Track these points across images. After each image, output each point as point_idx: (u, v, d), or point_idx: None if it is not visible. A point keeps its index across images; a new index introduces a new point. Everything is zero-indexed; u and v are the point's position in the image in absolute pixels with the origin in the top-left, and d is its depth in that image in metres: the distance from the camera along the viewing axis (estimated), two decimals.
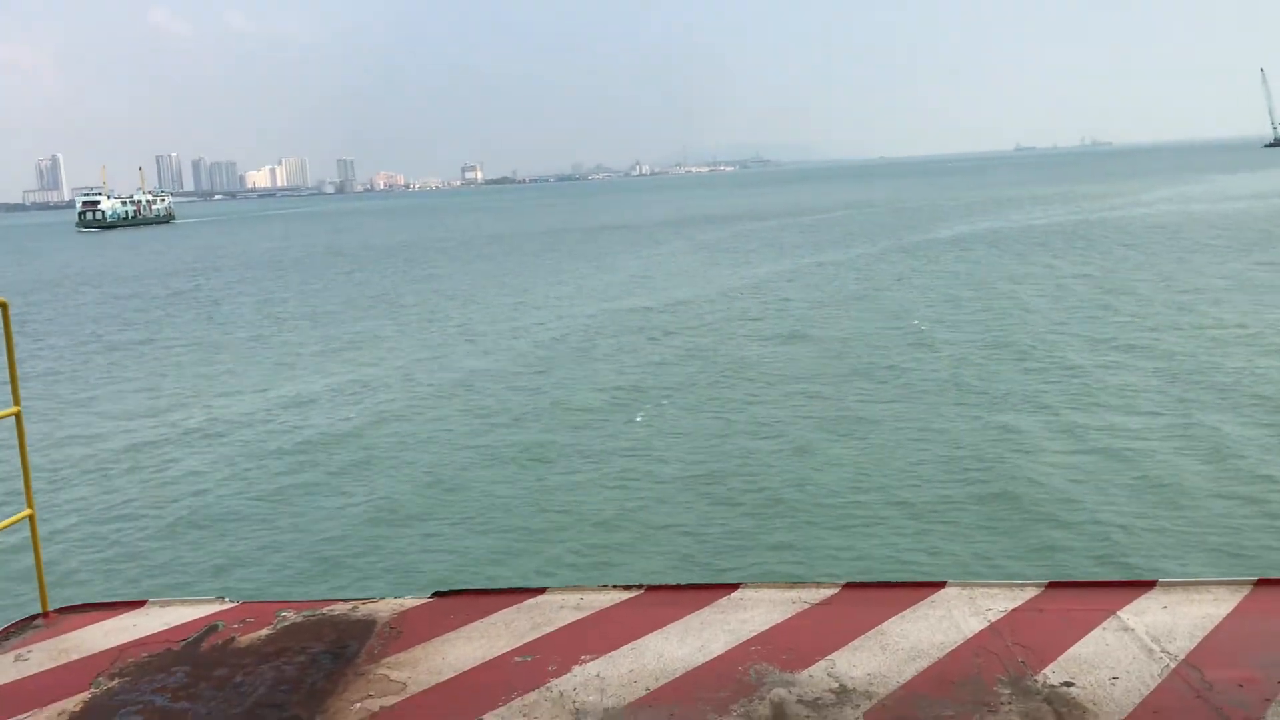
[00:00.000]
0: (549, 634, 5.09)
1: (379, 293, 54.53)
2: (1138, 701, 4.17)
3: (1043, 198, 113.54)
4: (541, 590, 5.72)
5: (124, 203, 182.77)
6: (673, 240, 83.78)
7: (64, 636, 5.36)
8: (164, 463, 21.71)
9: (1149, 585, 5.35)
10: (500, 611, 5.40)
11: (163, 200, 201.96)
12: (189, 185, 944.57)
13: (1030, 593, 5.32)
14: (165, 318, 48.77)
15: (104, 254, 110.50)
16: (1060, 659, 4.55)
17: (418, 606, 5.57)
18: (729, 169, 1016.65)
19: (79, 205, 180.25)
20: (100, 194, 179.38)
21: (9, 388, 6.16)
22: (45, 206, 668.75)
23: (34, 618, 5.67)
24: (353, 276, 66.16)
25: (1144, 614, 4.99)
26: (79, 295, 63.59)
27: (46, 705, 4.54)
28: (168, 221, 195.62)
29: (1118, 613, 5.01)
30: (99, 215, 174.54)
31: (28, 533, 6.06)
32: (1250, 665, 4.43)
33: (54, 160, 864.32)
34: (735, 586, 5.62)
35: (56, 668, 4.97)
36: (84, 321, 49.35)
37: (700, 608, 5.32)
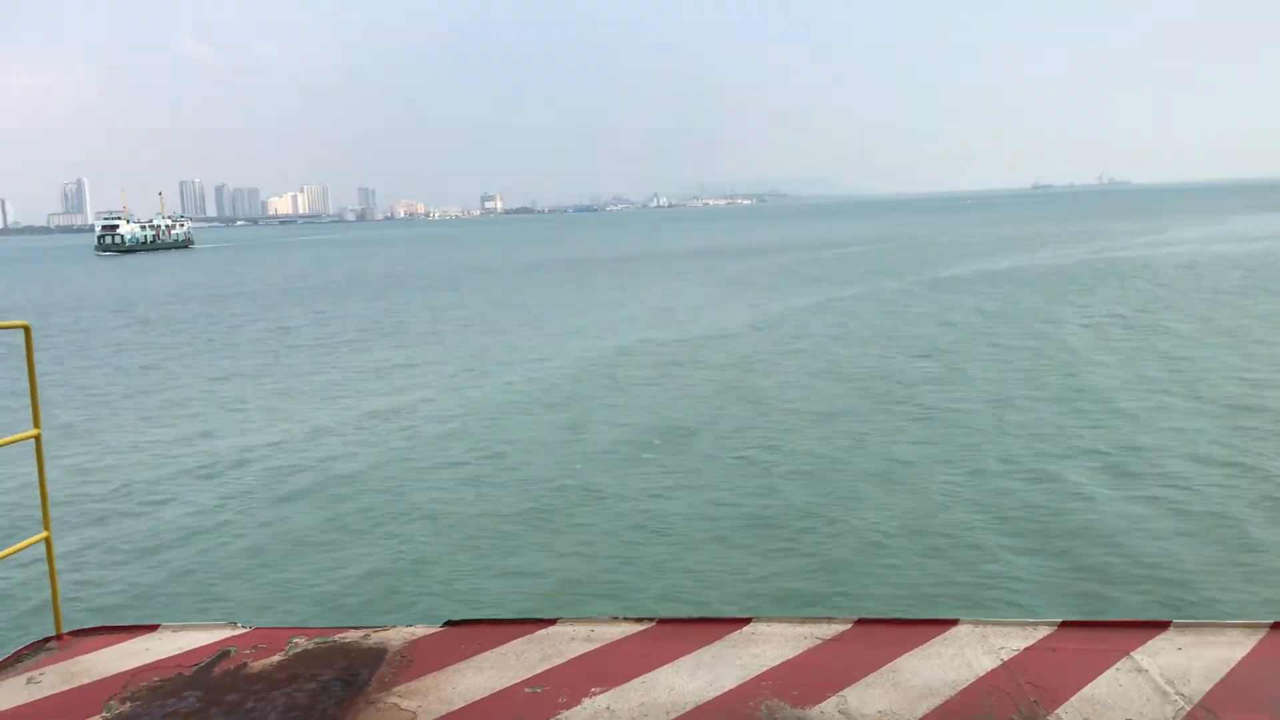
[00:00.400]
0: (559, 665, 5.06)
1: (396, 322, 53.70)
2: None
3: (1067, 235, 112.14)
4: (553, 621, 5.70)
5: (143, 227, 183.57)
6: (696, 272, 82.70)
7: (76, 659, 5.36)
8: (178, 488, 21.71)
9: (1163, 626, 5.27)
10: (511, 642, 5.38)
11: (182, 225, 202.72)
12: (211, 211, 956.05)
13: (1043, 631, 5.29)
14: (180, 343, 48.66)
15: (119, 278, 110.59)
16: (1073, 699, 4.50)
17: (429, 635, 5.55)
18: (746, 202, 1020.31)
19: (98, 229, 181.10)
20: (119, 218, 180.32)
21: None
22: (69, 230, 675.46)
23: (47, 640, 5.68)
24: (371, 304, 65.35)
25: (1158, 655, 4.92)
26: (94, 319, 63.27)
27: None
28: (186, 246, 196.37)
29: (1131, 653, 4.95)
30: (118, 239, 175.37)
31: (44, 554, 6.06)
32: (1266, 709, 4.38)
33: (79, 184, 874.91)
34: (747, 621, 5.58)
35: (69, 690, 4.97)
36: (98, 345, 49.15)
37: (711, 642, 5.30)
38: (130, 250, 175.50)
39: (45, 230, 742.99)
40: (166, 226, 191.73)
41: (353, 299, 70.23)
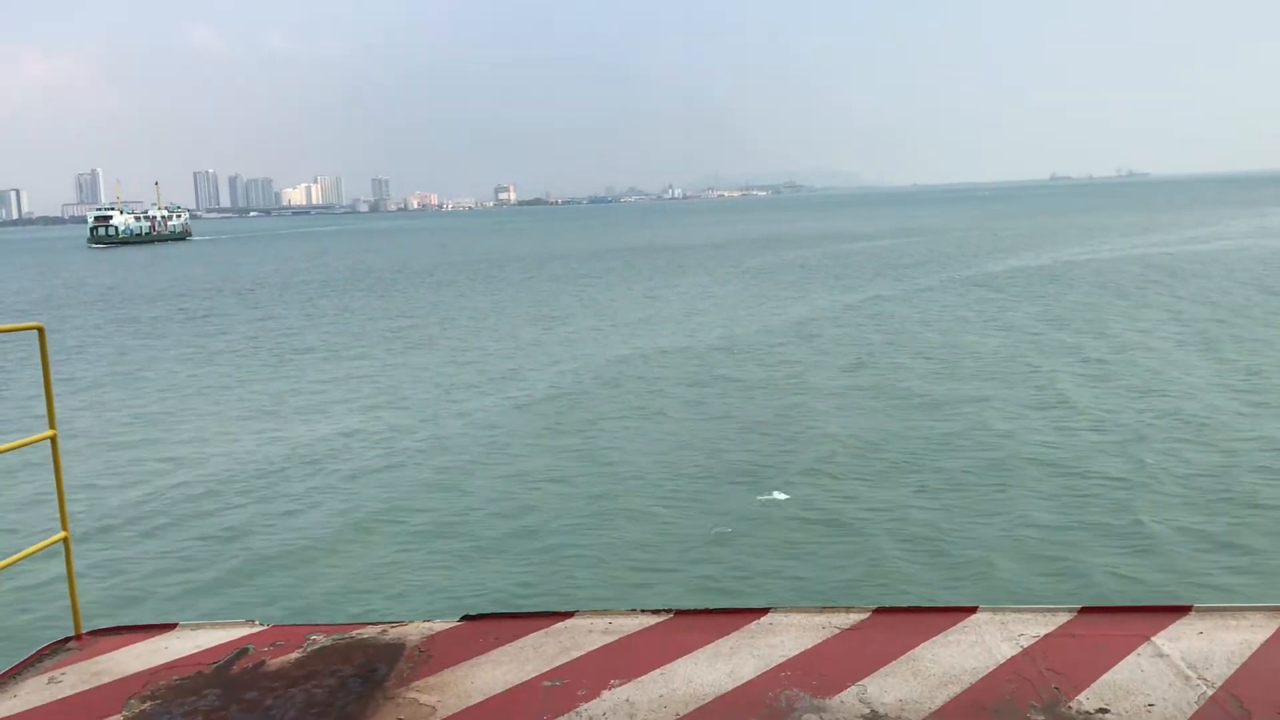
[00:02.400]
0: (578, 658, 5.02)
1: (410, 322, 50.29)
2: None
3: (1098, 228, 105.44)
4: (570, 614, 5.61)
5: (137, 218, 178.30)
6: (717, 266, 77.68)
7: (96, 659, 5.36)
8: (193, 487, 21.47)
9: (1184, 610, 5.23)
10: (529, 635, 5.35)
11: (179, 216, 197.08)
12: (226, 201, 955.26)
13: (1063, 618, 5.23)
14: (179, 339, 47.69)
15: (102, 273, 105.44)
16: (1094, 685, 4.47)
17: (446, 630, 5.51)
18: (761, 194, 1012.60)
19: (90, 220, 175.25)
20: (113, 209, 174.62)
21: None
22: (82, 220, 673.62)
23: (67, 640, 5.67)
24: (383, 299, 61.74)
25: (1179, 640, 4.89)
26: (76, 315, 59.42)
27: None
28: (184, 238, 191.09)
29: (1152, 638, 4.92)
30: (111, 231, 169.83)
31: (62, 555, 6.04)
32: None
33: (93, 174, 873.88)
34: (765, 611, 5.52)
35: (89, 690, 4.97)
36: (97, 341, 47.98)
37: (729, 632, 5.26)
38: (124, 242, 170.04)
39: (59, 220, 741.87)
40: (163, 217, 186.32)
41: (351, 296, 66.88)
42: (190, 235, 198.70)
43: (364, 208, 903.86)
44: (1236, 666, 4.55)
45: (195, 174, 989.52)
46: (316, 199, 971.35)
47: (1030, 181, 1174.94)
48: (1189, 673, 4.52)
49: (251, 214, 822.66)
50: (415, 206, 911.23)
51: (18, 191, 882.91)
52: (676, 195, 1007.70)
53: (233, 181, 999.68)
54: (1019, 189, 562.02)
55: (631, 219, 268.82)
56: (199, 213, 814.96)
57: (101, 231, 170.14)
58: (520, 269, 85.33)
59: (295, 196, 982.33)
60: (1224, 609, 5.24)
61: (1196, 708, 4.21)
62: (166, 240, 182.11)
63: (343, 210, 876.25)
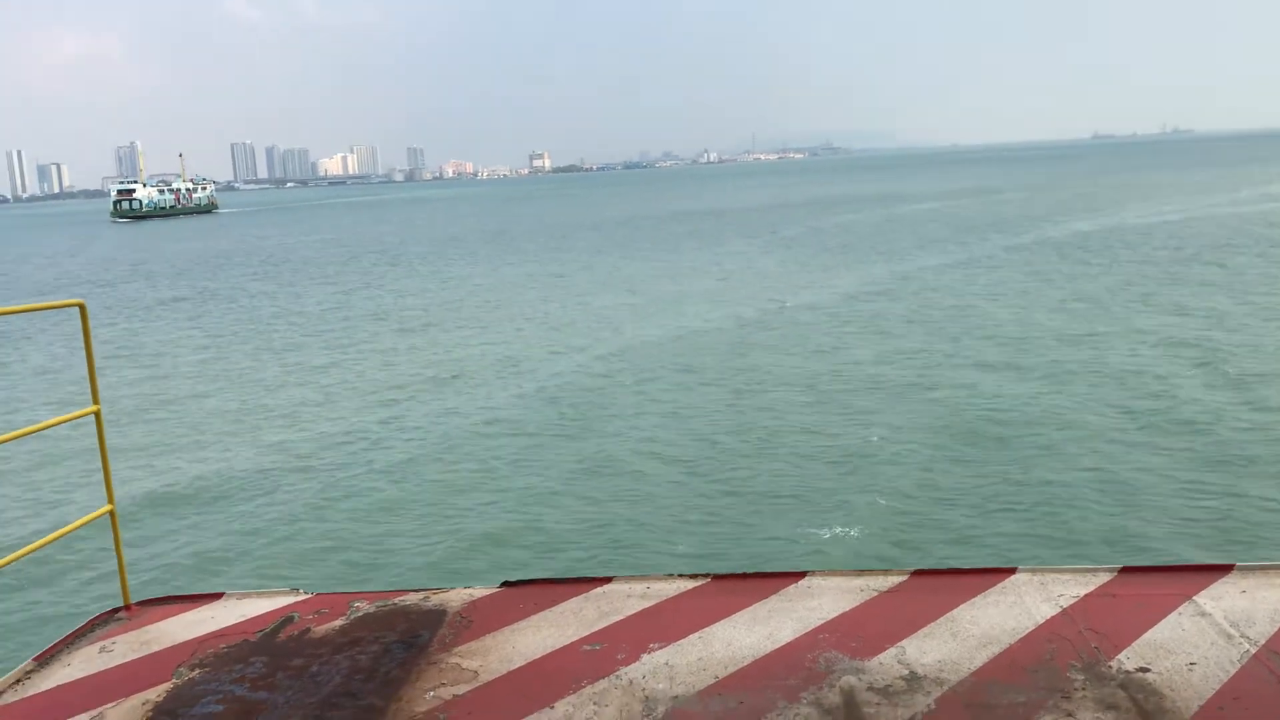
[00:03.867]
0: (617, 623, 5.06)
1: (445, 297, 47.85)
2: (1217, 688, 4.07)
3: (1150, 188, 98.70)
4: (608, 580, 5.62)
5: (161, 191, 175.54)
6: (758, 234, 73.08)
7: (145, 629, 5.46)
8: (235, 460, 21.41)
9: (1226, 569, 5.14)
10: (568, 601, 5.37)
11: (204, 189, 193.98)
12: (263, 173, 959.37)
13: (1103, 578, 5.19)
14: (223, 311, 46.91)
15: (121, 246, 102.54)
16: (1135, 644, 4.45)
17: (487, 596, 5.55)
18: (799, 155, 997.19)
19: (113, 194, 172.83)
20: (136, 183, 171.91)
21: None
22: None
23: (116, 610, 5.76)
24: (391, 280, 57.65)
25: (1221, 599, 4.83)
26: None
27: (131, 695, 4.69)
28: (209, 211, 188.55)
29: (1194, 597, 4.85)
30: (134, 205, 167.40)
31: (109, 527, 6.12)
32: None
33: (131, 147, 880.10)
34: (802, 575, 5.50)
35: (139, 659, 5.08)
36: (137, 313, 47.84)
37: (767, 596, 5.26)
38: (147, 216, 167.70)
39: (101, 194, 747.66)
40: (188, 190, 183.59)
41: (381, 271, 63.16)
42: (217, 208, 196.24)
43: (399, 177, 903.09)
44: (1279, 625, 4.48)
45: (232, 145, 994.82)
46: (353, 169, 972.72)
47: (1073, 140, 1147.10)
48: (1231, 631, 4.48)
49: (288, 185, 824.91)
50: (450, 175, 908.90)
51: (59, 166, 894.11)
52: (712, 159, 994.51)
53: (269, 153, 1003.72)
54: (1063, 148, 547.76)
55: (669, 184, 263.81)
56: (236, 184, 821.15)
57: (125, 206, 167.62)
58: (580, 236, 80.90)
59: (332, 166, 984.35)
60: (1267, 567, 5.10)
61: (1239, 666, 4.19)
62: (192, 213, 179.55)
63: (379, 180, 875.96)
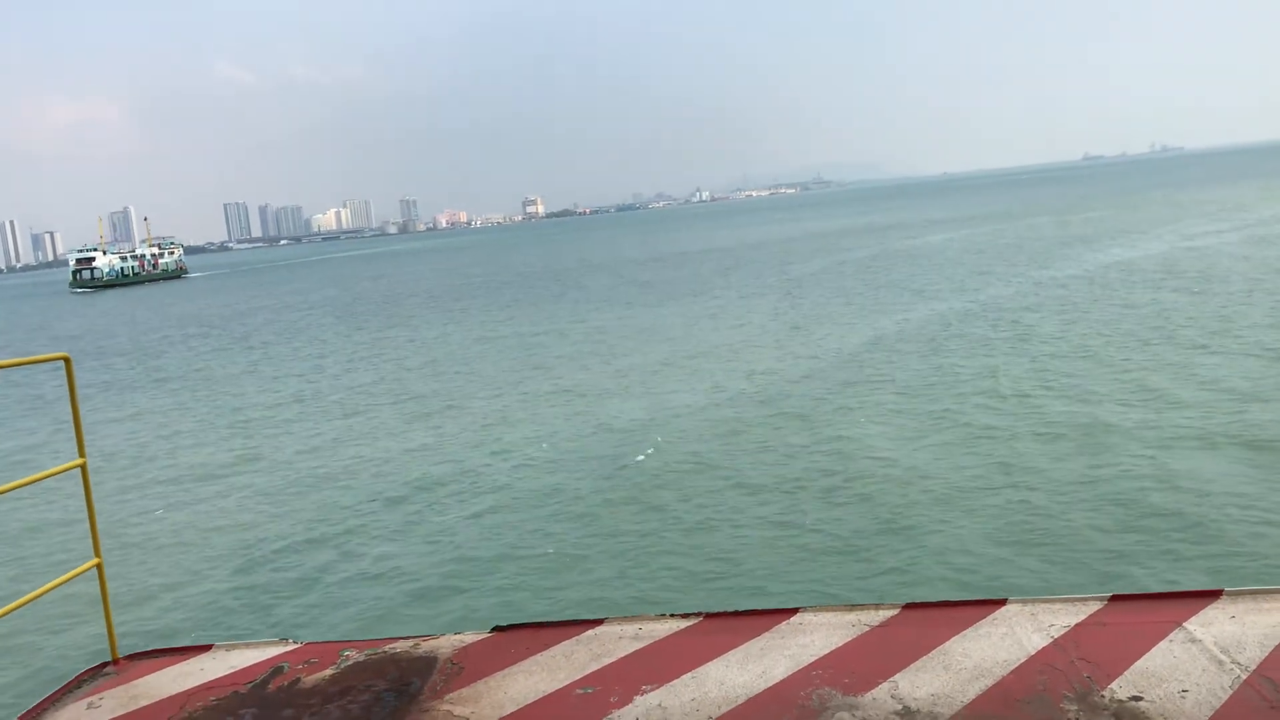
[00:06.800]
0: (609, 665, 5.04)
1: (447, 350, 44.79)
2: (1209, 714, 4.09)
3: (1172, 207, 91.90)
4: (600, 621, 5.62)
5: (123, 258, 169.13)
6: (763, 275, 67.25)
7: (134, 683, 5.40)
8: (221, 509, 21.46)
9: (1215, 595, 5.15)
10: (560, 644, 5.36)
11: (172, 253, 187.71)
12: (257, 231, 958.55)
13: (1093, 606, 5.19)
14: (210, 361, 48.00)
15: (56, 320, 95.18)
16: (1127, 673, 4.47)
17: (478, 641, 5.55)
18: (790, 191, 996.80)
19: (72, 263, 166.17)
20: (95, 250, 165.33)
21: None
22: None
23: (104, 665, 5.72)
24: (407, 323, 50.91)
25: (1211, 625, 4.85)
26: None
27: None
28: (178, 276, 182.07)
29: (1184, 624, 4.87)
30: (94, 274, 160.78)
31: (96, 581, 6.00)
32: None
33: (125, 212, 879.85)
34: (794, 611, 5.52)
35: (127, 714, 5.02)
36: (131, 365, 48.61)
37: (760, 634, 5.27)
38: (109, 285, 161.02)
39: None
40: (153, 255, 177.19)
41: (341, 327, 57.93)
42: (186, 272, 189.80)
43: (393, 229, 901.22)
44: (1270, 649, 4.49)
45: (225, 206, 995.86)
46: (346, 223, 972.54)
47: (1064, 163, 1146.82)
48: (1222, 657, 4.48)
49: (282, 242, 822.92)
50: (444, 225, 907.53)
51: (52, 234, 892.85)
52: (704, 198, 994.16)
53: (263, 211, 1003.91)
54: (1055, 171, 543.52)
55: (663, 224, 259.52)
56: (230, 243, 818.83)
57: (85, 275, 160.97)
58: (573, 284, 73.99)
59: (325, 222, 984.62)
60: (1256, 592, 5.10)
61: (1231, 692, 4.20)
62: (158, 280, 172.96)
63: (372, 233, 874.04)
